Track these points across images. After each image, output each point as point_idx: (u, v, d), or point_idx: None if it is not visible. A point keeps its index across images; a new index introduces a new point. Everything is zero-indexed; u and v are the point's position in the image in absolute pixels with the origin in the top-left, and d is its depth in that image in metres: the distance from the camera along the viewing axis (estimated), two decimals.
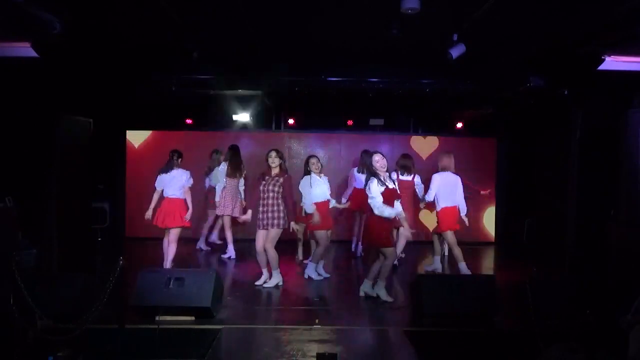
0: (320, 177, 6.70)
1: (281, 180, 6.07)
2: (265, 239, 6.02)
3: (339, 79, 7.59)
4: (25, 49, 5.54)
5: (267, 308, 5.57)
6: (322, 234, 6.59)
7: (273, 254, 6.07)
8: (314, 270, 6.64)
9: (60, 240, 6.84)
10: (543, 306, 4.70)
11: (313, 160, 6.76)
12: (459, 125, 9.98)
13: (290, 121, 9.87)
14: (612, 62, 5.70)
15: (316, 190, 6.60)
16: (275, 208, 6.00)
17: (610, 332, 3.06)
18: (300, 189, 6.62)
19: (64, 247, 6.87)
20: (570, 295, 5.02)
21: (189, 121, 9.80)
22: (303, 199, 7.11)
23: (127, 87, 7.77)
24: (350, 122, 9.84)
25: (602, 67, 5.79)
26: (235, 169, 7.69)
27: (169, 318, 4.76)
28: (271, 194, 6.01)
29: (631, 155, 6.25)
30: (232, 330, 4.71)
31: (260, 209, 6.07)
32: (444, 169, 6.88)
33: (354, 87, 7.76)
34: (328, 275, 6.75)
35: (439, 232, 7.03)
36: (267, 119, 9.93)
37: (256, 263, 6.35)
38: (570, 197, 7.20)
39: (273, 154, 6.15)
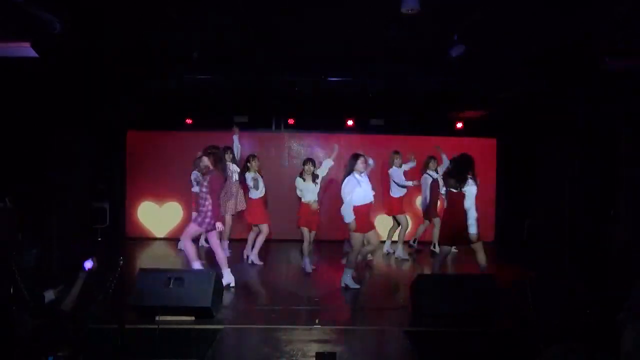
0: (362, 177, 6.13)
1: (208, 178, 5.96)
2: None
3: (339, 79, 7.59)
4: (25, 49, 5.53)
5: (267, 308, 5.57)
6: (358, 237, 6.07)
7: (186, 248, 5.94)
8: (350, 277, 6.22)
9: (60, 240, 6.85)
10: (543, 306, 4.70)
11: (362, 159, 6.11)
12: (459, 125, 9.99)
13: (290, 121, 9.87)
14: (612, 62, 5.70)
15: (360, 192, 6.04)
16: (201, 205, 5.96)
17: (610, 332, 3.06)
18: (342, 191, 6.02)
19: (64, 247, 6.88)
20: (570, 296, 5.02)
21: (189, 121, 9.81)
22: (305, 199, 6.96)
23: (128, 87, 7.77)
24: (350, 122, 9.84)
25: (602, 67, 5.79)
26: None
27: (169, 318, 4.75)
28: (202, 194, 6.00)
29: (630, 155, 6.26)
30: (232, 330, 4.71)
31: None
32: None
33: (354, 87, 7.77)
34: (358, 286, 6.27)
35: None
36: (267, 119, 9.93)
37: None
38: (570, 197, 7.21)
39: (200, 153, 6.12)
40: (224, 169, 6.12)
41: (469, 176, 5.58)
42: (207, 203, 5.90)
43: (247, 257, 7.73)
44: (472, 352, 4.31)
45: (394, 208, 8.15)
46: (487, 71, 7.15)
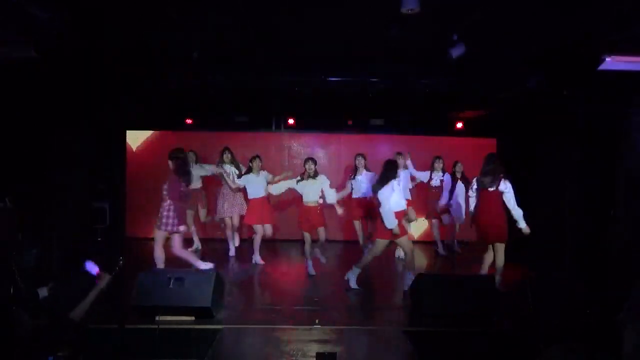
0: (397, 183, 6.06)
1: (167, 182, 5.98)
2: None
3: (339, 79, 7.58)
4: (25, 49, 5.54)
5: (267, 308, 5.58)
6: (383, 243, 6.00)
7: (157, 254, 5.94)
8: (355, 277, 6.20)
9: (60, 240, 6.85)
10: (543, 306, 4.71)
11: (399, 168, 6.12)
12: (459, 125, 9.99)
13: (290, 121, 9.87)
14: (612, 62, 5.70)
15: (395, 198, 5.93)
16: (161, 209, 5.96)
17: (610, 332, 3.06)
18: (380, 197, 5.84)
19: (64, 247, 6.88)
20: (570, 295, 5.03)
21: (189, 121, 9.81)
22: (305, 199, 6.80)
23: (127, 87, 7.77)
24: (350, 122, 9.83)
25: (602, 67, 5.79)
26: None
27: (169, 318, 4.76)
28: (162, 196, 6.02)
29: (631, 155, 6.26)
30: (232, 330, 4.71)
31: None
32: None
33: (354, 87, 7.76)
34: (358, 287, 6.22)
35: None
36: (267, 119, 9.92)
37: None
38: (570, 196, 7.21)
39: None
40: (183, 174, 5.98)
41: (503, 175, 5.79)
42: (164, 204, 5.92)
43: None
44: (472, 352, 4.31)
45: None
46: (487, 71, 7.15)
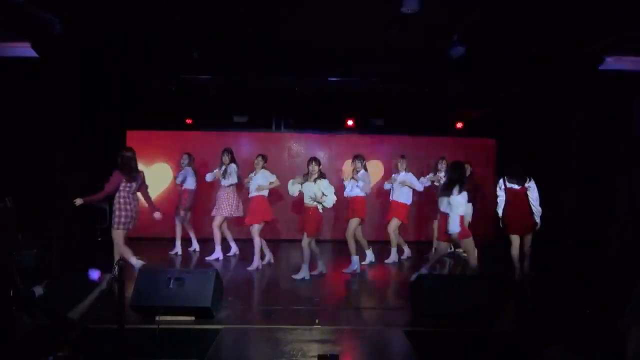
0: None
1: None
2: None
3: (339, 79, 7.58)
4: (25, 49, 5.54)
5: (267, 308, 5.58)
6: (469, 242, 5.73)
7: (120, 250, 6.10)
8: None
9: (60, 240, 6.85)
10: (543, 306, 4.70)
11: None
12: (459, 125, 9.99)
13: (350, 122, 9.73)
14: (612, 62, 5.71)
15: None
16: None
17: (610, 332, 3.06)
18: (452, 201, 5.49)
19: (64, 247, 6.88)
20: (570, 295, 5.03)
21: (188, 121, 9.81)
22: (306, 201, 6.60)
23: (127, 87, 7.77)
24: (350, 122, 9.84)
25: (602, 67, 5.79)
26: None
27: (169, 318, 4.75)
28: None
29: (630, 155, 6.27)
30: (232, 330, 4.71)
31: None
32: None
33: (354, 87, 7.76)
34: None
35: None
36: (267, 119, 9.93)
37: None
38: (570, 196, 7.21)
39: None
40: (125, 172, 6.03)
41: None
42: (115, 204, 6.09)
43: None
44: (472, 352, 4.31)
45: (391, 212, 8.00)
46: (487, 71, 7.15)
